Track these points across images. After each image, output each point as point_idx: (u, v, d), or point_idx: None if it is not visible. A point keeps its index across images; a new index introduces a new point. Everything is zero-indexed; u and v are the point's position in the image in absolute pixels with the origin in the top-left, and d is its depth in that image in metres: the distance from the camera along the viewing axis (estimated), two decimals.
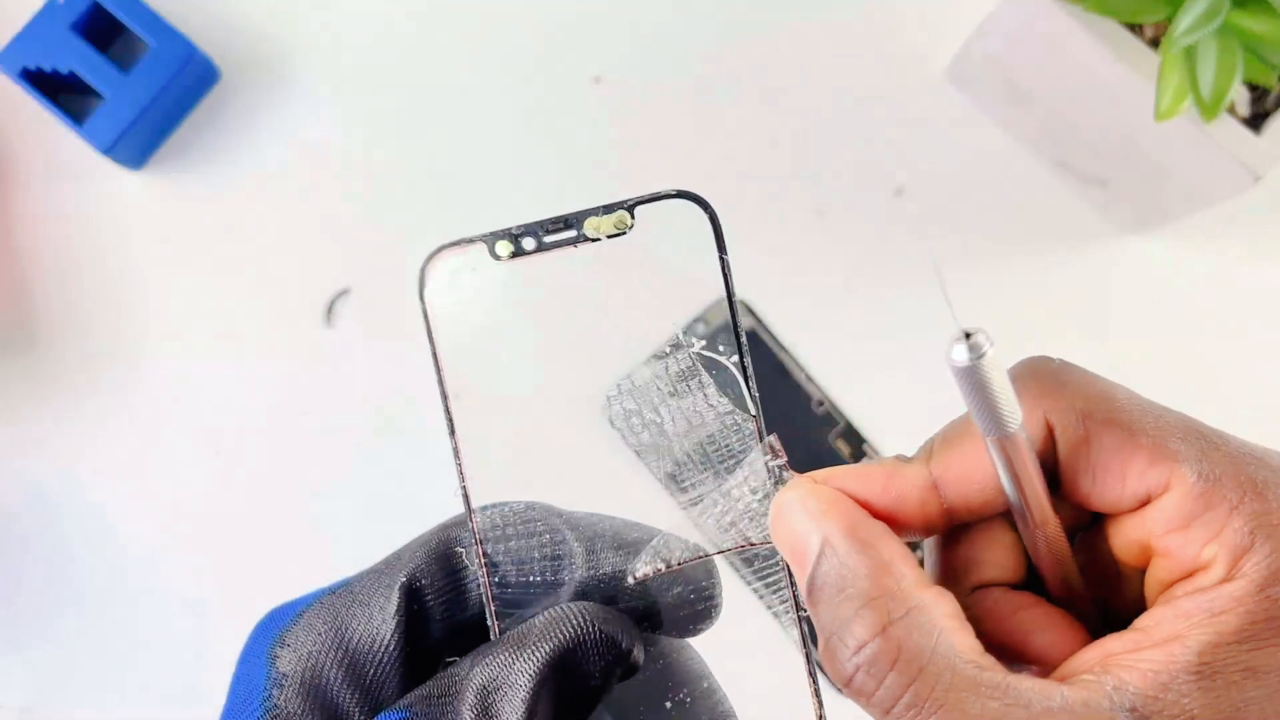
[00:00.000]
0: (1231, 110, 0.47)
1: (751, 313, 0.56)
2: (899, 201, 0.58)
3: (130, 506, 0.56)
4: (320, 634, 0.25)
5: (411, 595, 0.26)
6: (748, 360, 0.26)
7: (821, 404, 0.56)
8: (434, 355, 0.26)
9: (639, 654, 0.25)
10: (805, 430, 0.55)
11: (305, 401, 0.56)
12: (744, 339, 0.26)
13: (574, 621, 0.24)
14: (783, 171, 0.58)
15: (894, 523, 0.24)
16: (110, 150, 0.54)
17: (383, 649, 0.25)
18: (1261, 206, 0.57)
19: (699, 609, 0.26)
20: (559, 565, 0.26)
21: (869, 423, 0.56)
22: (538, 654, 0.24)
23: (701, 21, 0.59)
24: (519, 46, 0.58)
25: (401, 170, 0.57)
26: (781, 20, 0.59)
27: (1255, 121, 0.48)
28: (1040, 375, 0.25)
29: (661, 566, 0.25)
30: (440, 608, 0.26)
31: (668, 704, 0.26)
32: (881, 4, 0.59)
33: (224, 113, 0.57)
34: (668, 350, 0.27)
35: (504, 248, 0.26)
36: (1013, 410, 0.22)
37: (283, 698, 0.25)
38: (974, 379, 0.22)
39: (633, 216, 0.26)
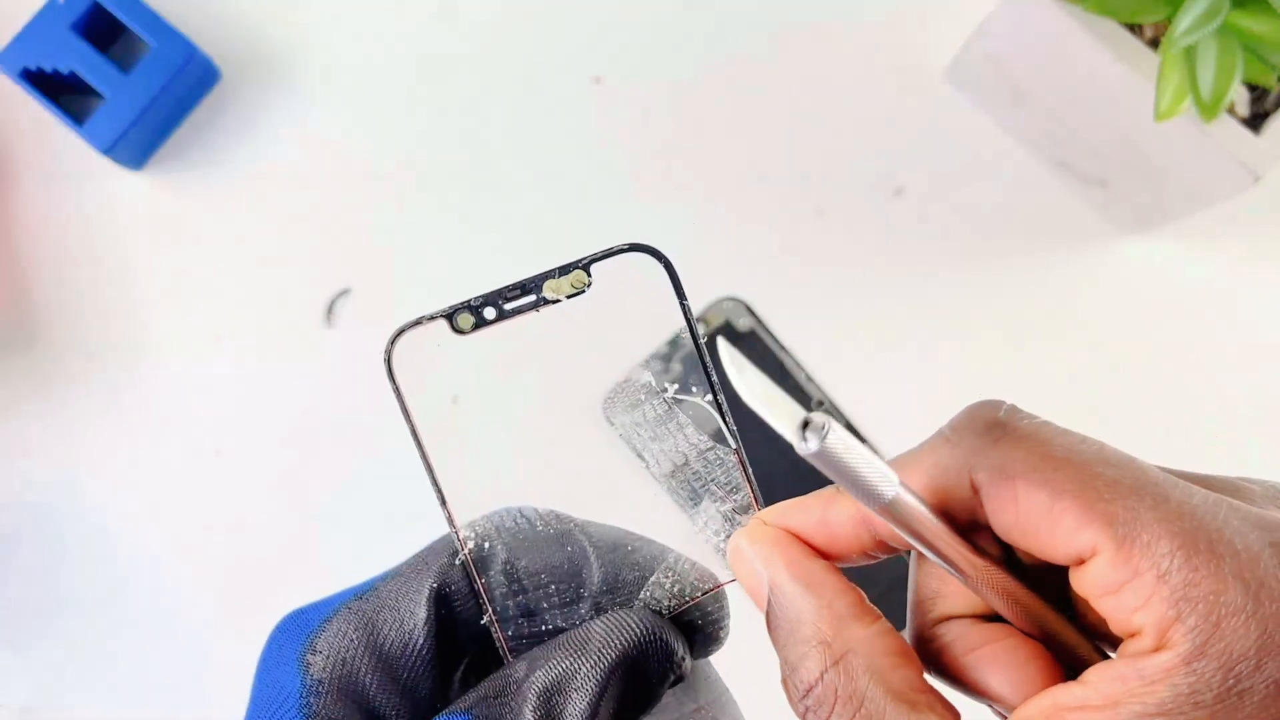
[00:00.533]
0: (1231, 110, 0.47)
1: (751, 313, 0.56)
2: (899, 201, 0.58)
3: (130, 506, 0.56)
4: (353, 640, 0.25)
5: (440, 600, 0.26)
6: (721, 397, 0.26)
7: (821, 404, 0.56)
8: (412, 431, 0.26)
9: (689, 664, 0.26)
10: None
11: (305, 401, 0.56)
12: (714, 377, 0.26)
13: (638, 628, 0.25)
14: (783, 171, 0.58)
15: (833, 555, 0.25)
16: (110, 150, 0.54)
17: (415, 653, 0.25)
18: (1261, 206, 0.57)
19: (708, 633, 0.27)
20: (578, 576, 0.26)
21: (869, 423, 0.56)
22: (604, 658, 0.24)
23: (701, 22, 0.59)
24: (519, 46, 0.58)
25: (401, 170, 0.57)
26: (781, 21, 0.59)
27: (1255, 122, 0.48)
28: (974, 429, 0.24)
29: (673, 603, 0.26)
30: (468, 612, 0.26)
31: (691, 710, 0.27)
32: (881, 4, 0.59)
33: (224, 113, 0.57)
34: (642, 398, 0.27)
35: (465, 320, 0.26)
36: (883, 479, 0.22)
37: (321, 704, 0.25)
38: (828, 461, 0.22)
39: (589, 274, 0.26)
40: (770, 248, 0.57)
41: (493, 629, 0.26)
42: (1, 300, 0.56)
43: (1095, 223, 0.58)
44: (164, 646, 0.55)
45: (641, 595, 0.26)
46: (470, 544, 0.26)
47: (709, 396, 0.26)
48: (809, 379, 0.56)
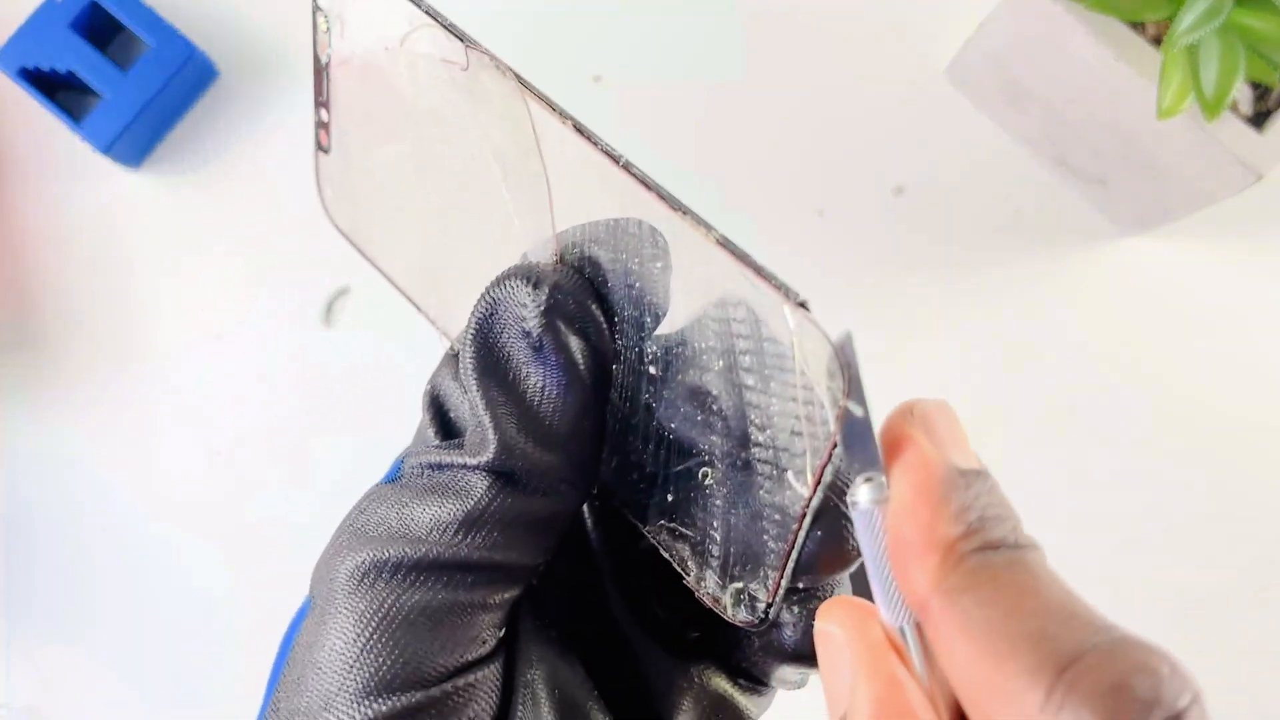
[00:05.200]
0: (1234, 109, 0.47)
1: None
2: (899, 201, 0.58)
3: (129, 506, 0.55)
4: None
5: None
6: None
7: None
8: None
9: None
10: None
11: (304, 401, 0.56)
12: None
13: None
14: (783, 171, 0.58)
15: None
16: (109, 149, 0.54)
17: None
18: (1263, 205, 0.57)
19: None
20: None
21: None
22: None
23: (701, 21, 0.58)
24: (518, 46, 0.58)
25: None
26: (781, 20, 0.58)
27: (1258, 120, 0.48)
28: (949, 553, 0.19)
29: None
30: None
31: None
32: (881, 3, 0.58)
33: (223, 112, 0.57)
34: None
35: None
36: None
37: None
38: (873, 528, 0.19)
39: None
40: (770, 247, 0.57)
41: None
42: None
43: (1096, 222, 0.57)
44: (165, 646, 0.55)
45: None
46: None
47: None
48: None
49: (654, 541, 0.24)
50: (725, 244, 0.20)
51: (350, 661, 0.21)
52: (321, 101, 0.27)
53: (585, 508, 0.27)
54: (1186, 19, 0.42)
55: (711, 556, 0.23)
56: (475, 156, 0.25)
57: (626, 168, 0.21)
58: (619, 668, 0.25)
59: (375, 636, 0.21)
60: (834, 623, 0.20)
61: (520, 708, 0.23)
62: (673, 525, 0.23)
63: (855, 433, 0.19)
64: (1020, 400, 0.56)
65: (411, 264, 0.29)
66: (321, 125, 0.27)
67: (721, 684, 0.25)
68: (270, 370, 0.56)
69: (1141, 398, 0.56)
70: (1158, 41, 0.47)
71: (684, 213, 0.21)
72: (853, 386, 0.19)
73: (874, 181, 0.58)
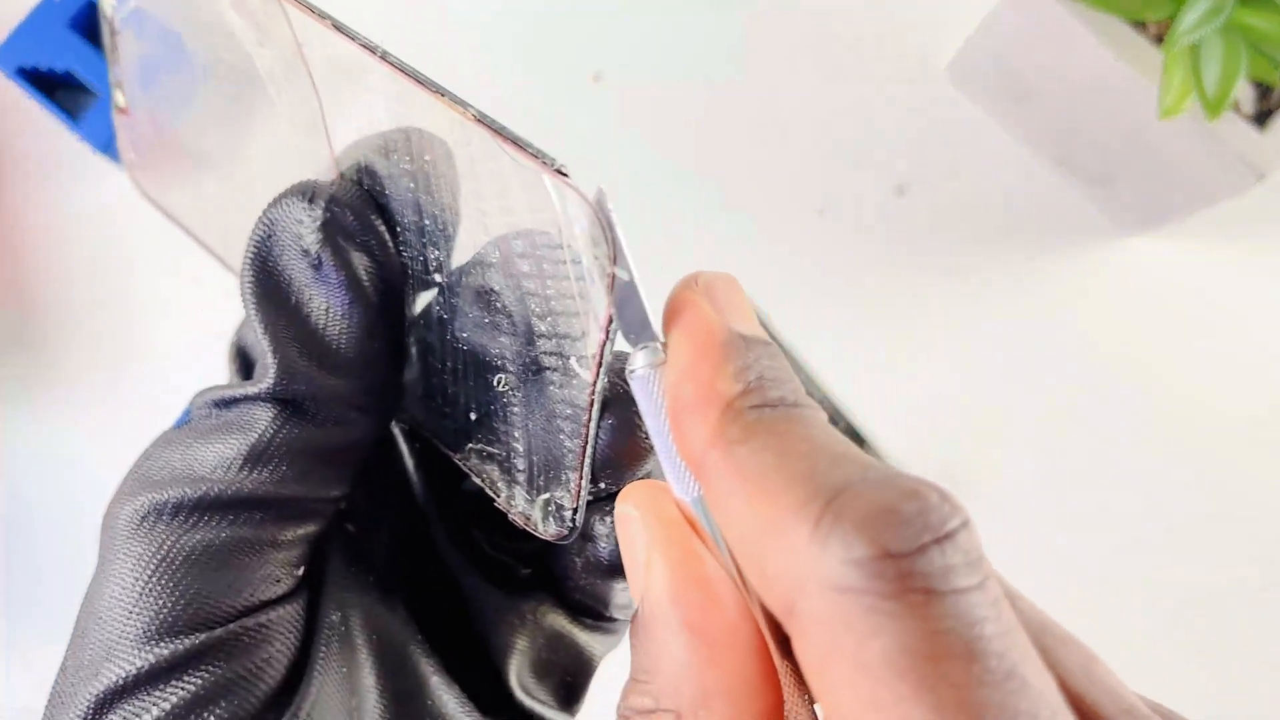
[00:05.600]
0: (1236, 108, 0.47)
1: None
2: (900, 200, 0.57)
3: None
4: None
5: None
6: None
7: (821, 404, 0.55)
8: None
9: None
10: None
11: None
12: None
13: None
14: (783, 171, 0.58)
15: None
16: (107, 148, 0.54)
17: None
18: (1265, 205, 0.57)
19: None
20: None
21: (869, 423, 0.55)
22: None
23: (701, 21, 0.58)
24: (518, 45, 0.58)
25: None
26: (782, 19, 0.58)
27: (1260, 119, 0.47)
28: (729, 409, 0.18)
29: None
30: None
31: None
32: (882, 2, 0.58)
33: None
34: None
35: None
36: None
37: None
38: (649, 393, 0.18)
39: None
40: (771, 247, 0.57)
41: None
42: None
43: (1098, 221, 0.57)
44: None
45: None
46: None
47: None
48: (809, 379, 0.56)
49: (465, 468, 0.23)
50: (482, 119, 0.19)
51: (129, 607, 0.20)
52: (114, 60, 0.26)
53: (405, 450, 0.26)
54: (1188, 18, 0.42)
55: (518, 471, 0.22)
56: (252, 84, 0.24)
57: (384, 57, 0.20)
58: (450, 610, 0.24)
59: (154, 579, 0.20)
60: (629, 504, 0.19)
61: (323, 648, 0.22)
62: (479, 446, 0.22)
63: (625, 298, 0.18)
64: (1021, 399, 0.56)
65: (213, 217, 0.28)
66: (117, 85, 0.26)
67: (558, 620, 0.24)
68: None
69: (1142, 397, 0.56)
70: (1159, 40, 0.47)
71: (441, 93, 0.20)
72: (615, 249, 0.18)
73: (874, 181, 0.57)
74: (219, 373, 0.56)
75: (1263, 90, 0.48)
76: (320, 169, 0.23)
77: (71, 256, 0.56)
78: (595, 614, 0.25)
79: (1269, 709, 0.54)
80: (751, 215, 0.57)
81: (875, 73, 0.58)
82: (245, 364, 0.24)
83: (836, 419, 0.55)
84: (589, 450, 0.20)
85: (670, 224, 0.57)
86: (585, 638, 0.25)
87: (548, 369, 0.21)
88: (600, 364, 0.19)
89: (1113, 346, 0.57)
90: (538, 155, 0.18)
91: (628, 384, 0.19)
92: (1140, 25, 0.47)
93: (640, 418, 0.20)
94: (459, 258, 0.21)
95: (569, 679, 0.25)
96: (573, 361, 0.20)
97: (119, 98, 0.26)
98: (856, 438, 0.55)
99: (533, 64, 0.58)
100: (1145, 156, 0.52)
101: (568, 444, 0.21)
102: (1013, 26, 0.52)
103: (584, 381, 0.20)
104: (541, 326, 0.20)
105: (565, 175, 0.18)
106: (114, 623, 0.20)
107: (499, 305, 0.21)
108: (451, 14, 0.58)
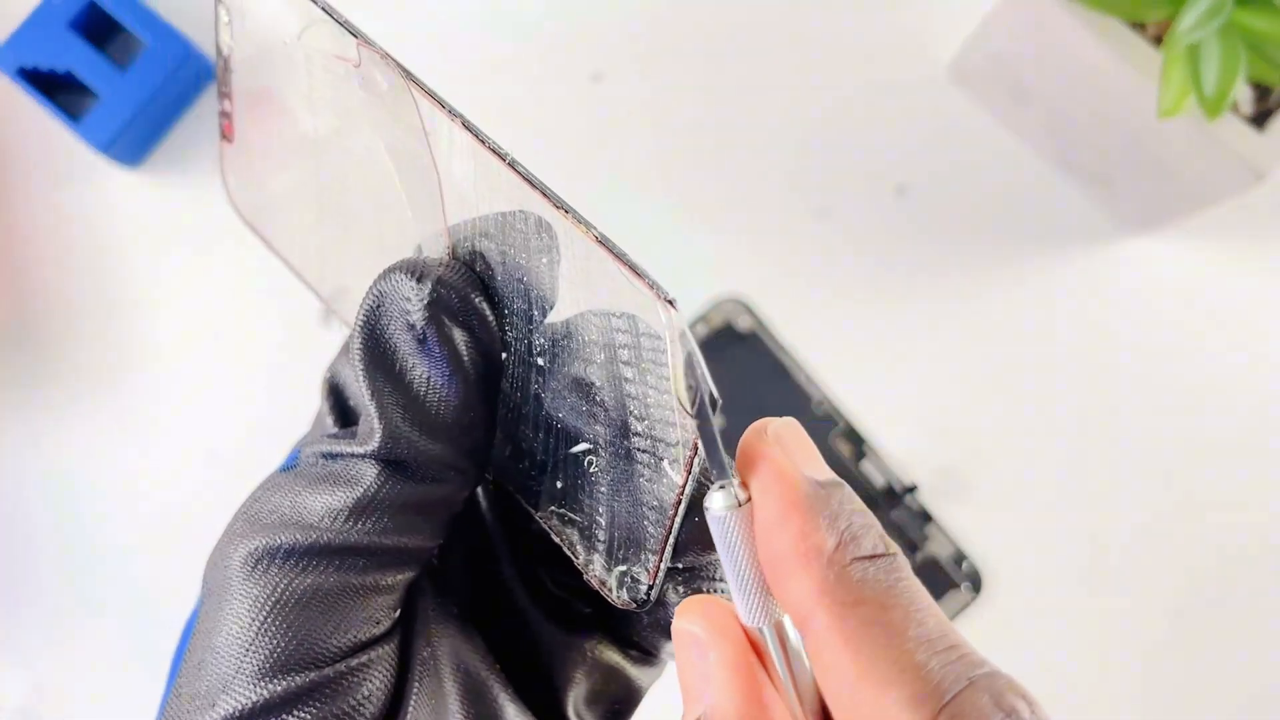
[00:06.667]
0: (1235, 109, 0.47)
1: (751, 313, 0.56)
2: (900, 200, 0.57)
3: (128, 507, 0.55)
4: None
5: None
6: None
7: (821, 404, 0.55)
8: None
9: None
10: (805, 430, 0.55)
11: (304, 400, 0.56)
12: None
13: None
14: (783, 171, 0.58)
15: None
16: (107, 148, 0.54)
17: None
18: (1265, 205, 0.57)
19: None
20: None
21: (869, 423, 0.55)
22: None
23: (701, 21, 0.58)
24: (518, 45, 0.58)
25: None
26: (782, 19, 0.58)
27: (1259, 120, 0.47)
28: (830, 563, 0.20)
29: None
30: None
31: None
32: (883, 2, 0.58)
33: None
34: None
35: None
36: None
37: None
38: (729, 535, 0.20)
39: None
40: (771, 247, 0.57)
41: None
42: None
43: (1098, 221, 0.57)
44: (162, 649, 0.55)
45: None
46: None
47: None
48: (809, 379, 0.56)
49: (545, 527, 0.25)
50: (604, 242, 0.21)
51: (246, 644, 0.22)
52: (225, 93, 0.28)
53: (480, 491, 0.27)
54: (1187, 19, 0.42)
55: (598, 541, 0.23)
56: (370, 150, 0.25)
57: (513, 165, 0.22)
58: (517, 644, 0.26)
59: (270, 619, 0.22)
60: (694, 622, 0.20)
61: (416, 684, 0.23)
62: (562, 511, 0.24)
63: (707, 442, 0.20)
64: (1020, 399, 0.56)
65: (310, 252, 0.29)
66: (225, 115, 0.27)
67: (613, 656, 0.26)
68: (270, 370, 0.56)
69: (1142, 396, 0.56)
70: (1158, 41, 0.47)
71: (565, 210, 0.21)
72: (698, 402, 0.20)
73: (875, 181, 0.57)
74: (216, 372, 0.56)
75: (1262, 91, 0.48)
76: (432, 238, 0.25)
77: (71, 256, 0.56)
78: (646, 651, 0.27)
79: (1269, 709, 0.54)
80: (751, 215, 0.57)
81: (876, 72, 0.58)
82: (339, 401, 0.26)
83: (836, 419, 0.55)
84: (670, 541, 0.22)
85: (670, 224, 0.57)
86: (636, 672, 0.27)
87: (639, 462, 0.22)
88: (689, 473, 0.21)
89: (1113, 346, 0.57)
90: (653, 286, 0.20)
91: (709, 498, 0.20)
92: (1140, 25, 0.47)
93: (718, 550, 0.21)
94: (561, 343, 0.23)
95: (617, 707, 0.27)
96: (665, 464, 0.22)
97: (226, 127, 0.28)
98: (856, 438, 0.55)
99: (533, 64, 0.58)
100: (1145, 156, 0.52)
101: (651, 530, 0.22)
102: (1013, 27, 0.52)
103: (673, 482, 0.21)
104: (638, 427, 0.22)
105: (674, 307, 0.20)
106: (231, 658, 0.22)
107: (598, 399, 0.22)
108: (452, 13, 0.58)
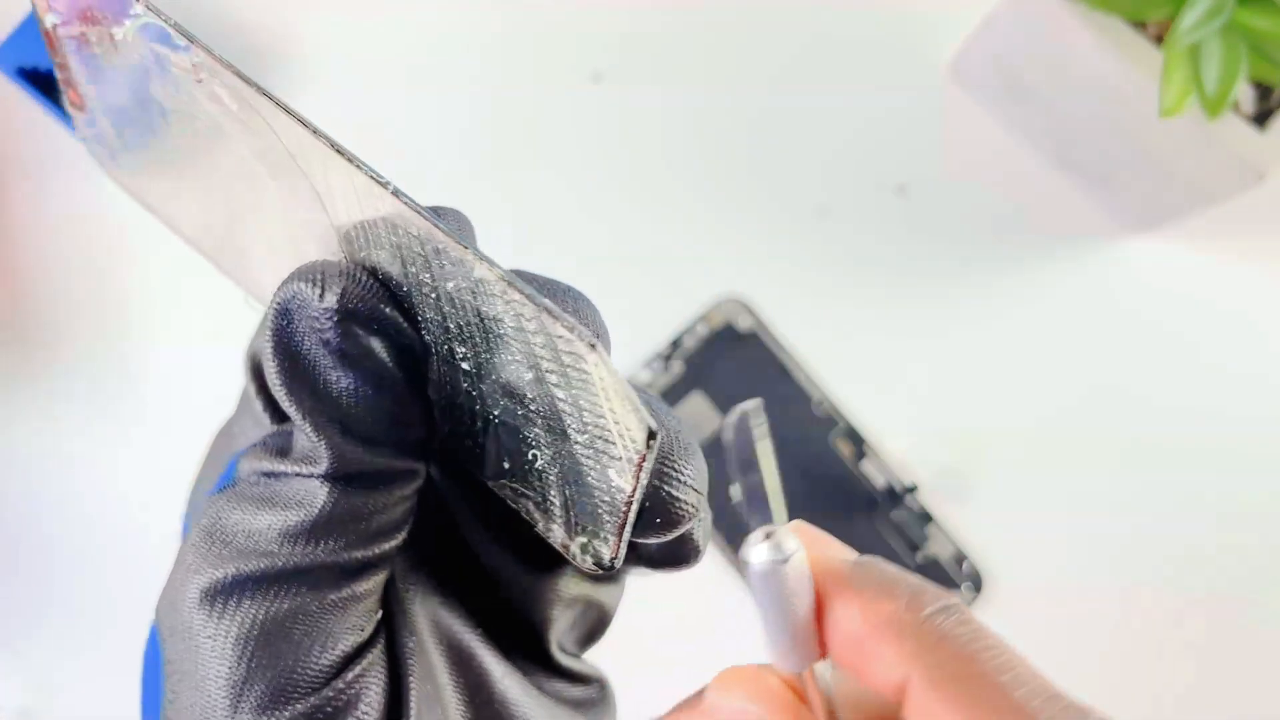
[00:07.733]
0: (1236, 108, 0.47)
1: (751, 313, 0.56)
2: (901, 200, 0.57)
3: (128, 507, 0.55)
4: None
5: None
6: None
7: (821, 404, 0.55)
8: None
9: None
10: (805, 430, 0.55)
11: None
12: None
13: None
14: (784, 170, 0.57)
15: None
16: None
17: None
18: (1265, 205, 0.57)
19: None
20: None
21: (869, 423, 0.55)
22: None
23: (701, 21, 0.58)
24: (519, 45, 0.58)
25: (399, 169, 0.57)
26: (782, 19, 0.58)
27: (1260, 119, 0.47)
28: (906, 626, 0.20)
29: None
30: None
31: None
32: (882, 2, 0.58)
33: None
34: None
35: None
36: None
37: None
38: (777, 585, 0.20)
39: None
40: (771, 247, 0.57)
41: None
42: None
43: (1098, 220, 0.57)
44: None
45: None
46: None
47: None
48: (809, 379, 0.56)
49: (500, 495, 0.24)
50: (513, 282, 0.20)
51: (238, 685, 0.21)
52: (60, 64, 0.26)
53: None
54: (1189, 18, 0.42)
55: (555, 515, 0.23)
56: (238, 154, 0.24)
57: (396, 194, 0.20)
58: (494, 598, 0.26)
59: (257, 653, 0.21)
60: (744, 699, 0.21)
61: (412, 679, 0.23)
62: (515, 485, 0.23)
63: (755, 497, 0.20)
64: (1020, 399, 0.56)
65: (198, 218, 0.28)
66: (67, 84, 0.26)
67: (582, 587, 0.26)
68: None
69: (1142, 396, 0.56)
70: (1159, 40, 0.47)
71: (466, 247, 0.20)
72: (744, 458, 0.20)
73: (876, 181, 0.57)
74: (216, 372, 0.56)
75: (1263, 90, 0.48)
76: (320, 228, 0.23)
77: (68, 254, 0.56)
78: (612, 575, 0.27)
79: (1268, 709, 0.54)
80: (751, 215, 0.57)
81: (876, 72, 0.58)
82: (261, 379, 0.25)
83: (836, 419, 0.55)
84: (627, 530, 0.22)
85: (670, 224, 0.57)
86: (604, 594, 0.27)
87: (583, 462, 0.21)
88: (638, 479, 0.20)
89: (1113, 346, 0.57)
90: (572, 328, 0.19)
91: (663, 484, 0.21)
92: (1140, 25, 0.47)
93: (679, 503, 0.21)
94: (483, 358, 0.22)
95: (591, 630, 0.27)
96: (611, 472, 0.21)
97: (71, 95, 0.26)
98: (857, 438, 0.55)
99: (533, 64, 0.58)
100: (1145, 156, 0.52)
101: (605, 517, 0.22)
102: (1013, 26, 0.52)
103: (621, 488, 0.21)
104: (578, 437, 0.21)
105: (595, 349, 0.19)
106: (226, 704, 0.21)
107: (533, 409, 0.22)
108: (451, 13, 0.58)
